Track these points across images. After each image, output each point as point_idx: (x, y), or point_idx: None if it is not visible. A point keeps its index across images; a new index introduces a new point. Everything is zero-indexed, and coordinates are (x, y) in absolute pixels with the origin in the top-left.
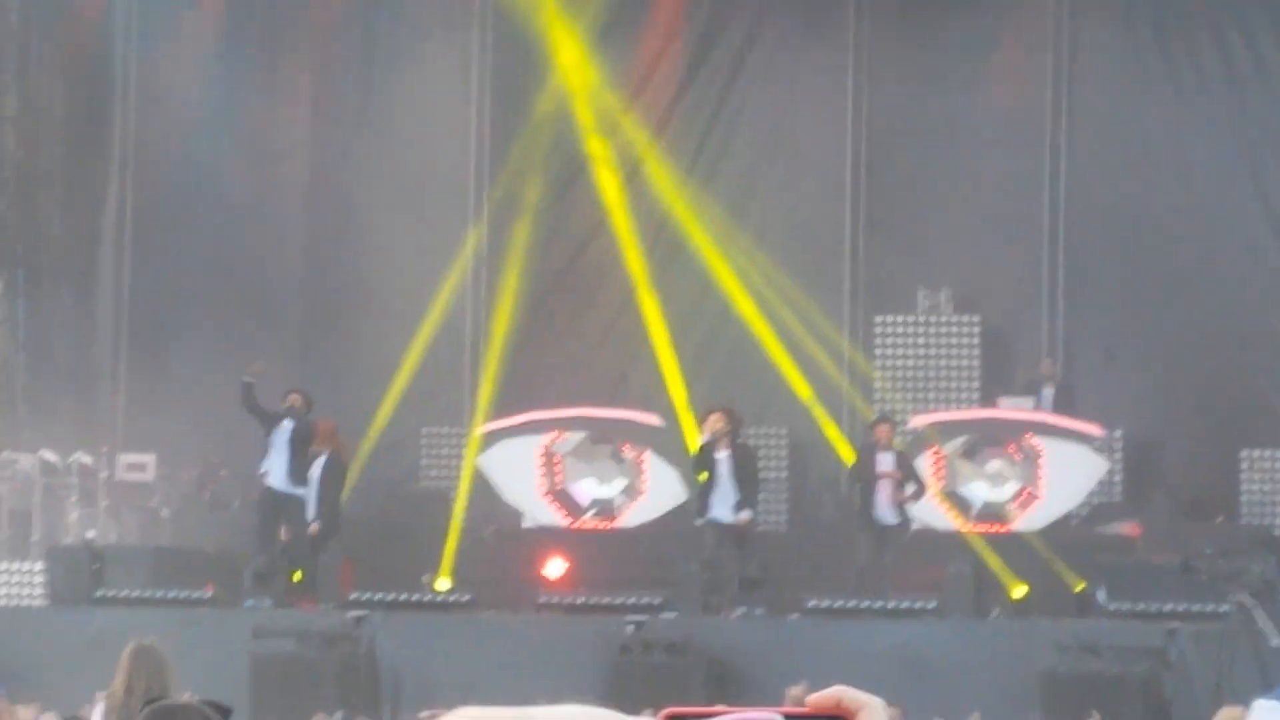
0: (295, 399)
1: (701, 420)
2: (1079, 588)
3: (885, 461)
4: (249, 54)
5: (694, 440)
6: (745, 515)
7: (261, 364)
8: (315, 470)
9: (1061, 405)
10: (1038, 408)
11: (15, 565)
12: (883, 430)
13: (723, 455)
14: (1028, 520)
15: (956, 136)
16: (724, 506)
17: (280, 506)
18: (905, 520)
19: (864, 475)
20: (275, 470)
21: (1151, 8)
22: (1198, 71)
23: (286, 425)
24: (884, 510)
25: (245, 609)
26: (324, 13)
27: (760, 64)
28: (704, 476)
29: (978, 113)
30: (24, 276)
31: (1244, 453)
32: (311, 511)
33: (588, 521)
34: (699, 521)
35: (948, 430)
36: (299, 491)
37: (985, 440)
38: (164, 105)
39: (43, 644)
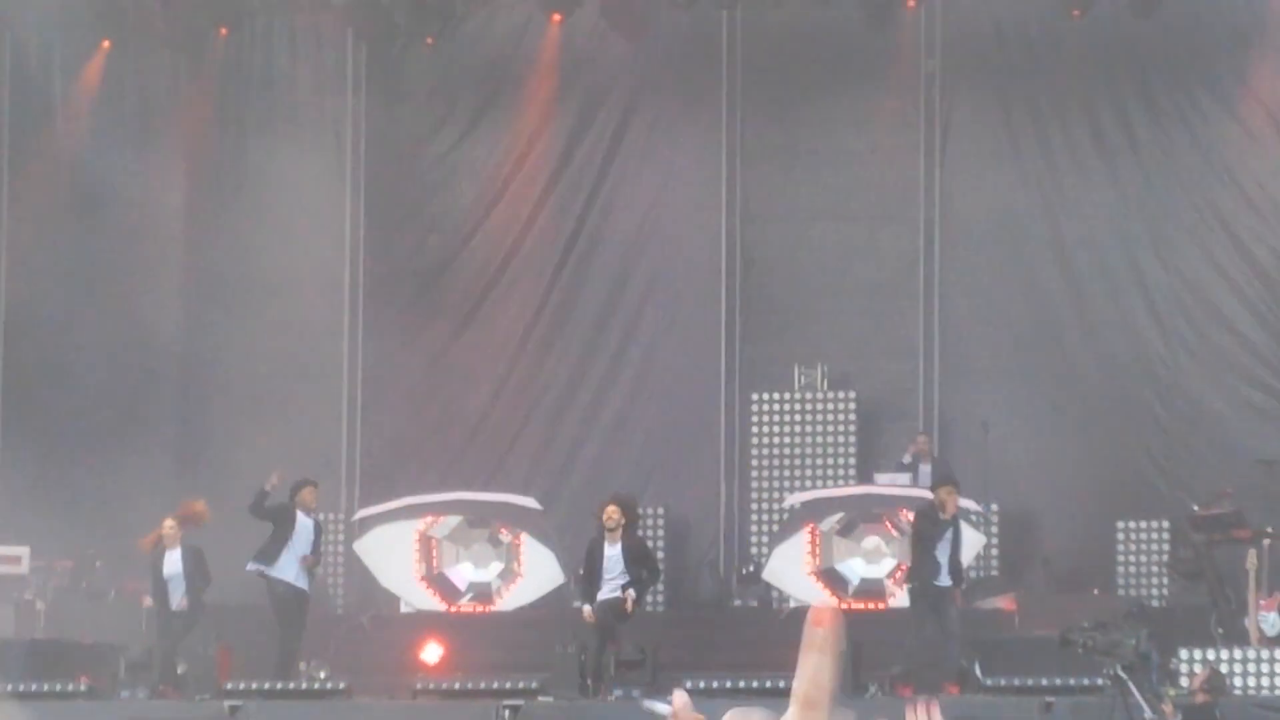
0: (310, 494)
1: (598, 511)
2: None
3: (946, 525)
4: (120, 146)
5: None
6: (630, 594)
7: (279, 476)
8: (176, 561)
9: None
10: (914, 484)
11: None
12: (948, 496)
13: (614, 550)
14: (905, 596)
15: (831, 213)
16: (610, 588)
17: (302, 603)
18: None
19: (928, 538)
20: (296, 569)
21: (1023, 84)
22: (1070, 147)
23: (306, 523)
24: (943, 578)
25: (120, 700)
26: (196, 102)
27: (635, 144)
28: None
29: (852, 189)
30: None
31: (1120, 524)
32: (180, 600)
33: (465, 606)
34: (578, 604)
35: (824, 507)
36: (306, 590)
37: (862, 516)
38: (37, 188)
39: None
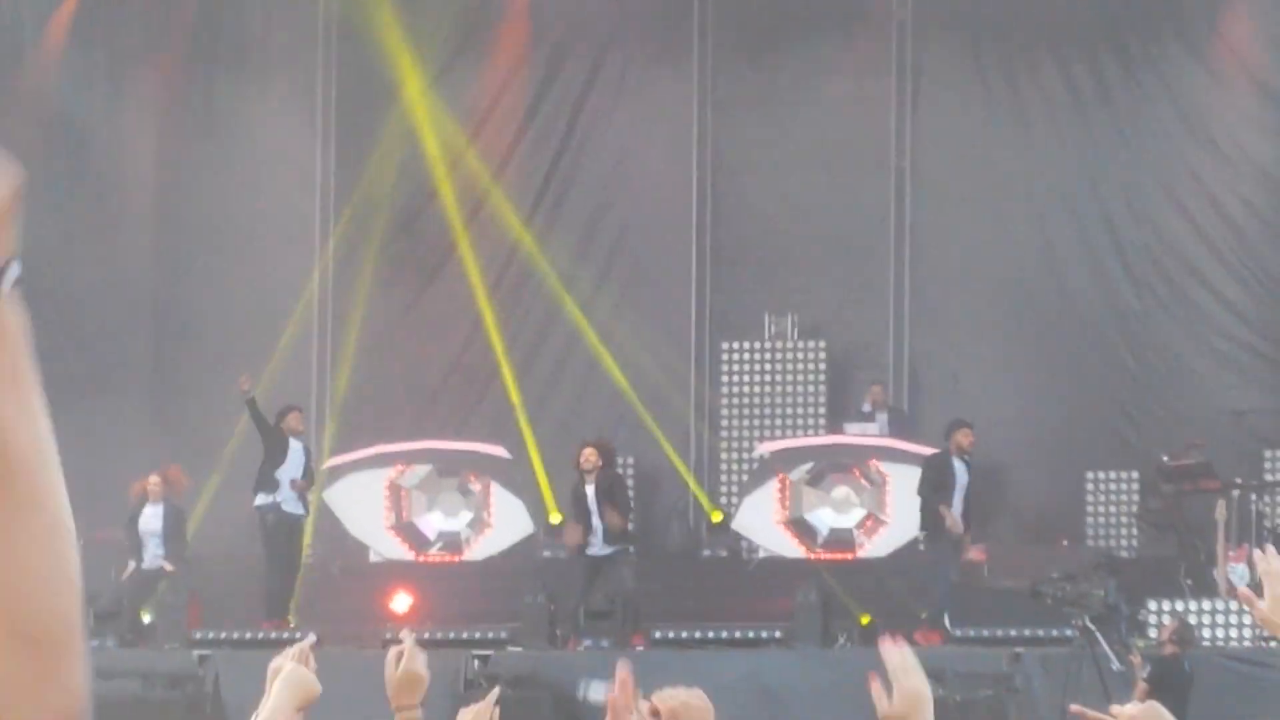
0: (297, 418)
1: (576, 454)
2: (924, 614)
3: (961, 470)
4: (91, 93)
5: (541, 473)
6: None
7: (249, 377)
8: (157, 517)
9: (896, 431)
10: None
11: None
12: (965, 436)
13: (591, 491)
14: (874, 546)
15: (801, 162)
16: (596, 542)
17: (295, 529)
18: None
19: (940, 485)
20: (289, 493)
21: (995, 33)
22: (1043, 97)
23: (297, 446)
24: (956, 522)
25: (89, 649)
26: (166, 55)
27: (606, 93)
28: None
29: (823, 139)
30: None
31: (1090, 475)
32: (162, 553)
33: (434, 555)
34: (547, 554)
35: (794, 457)
36: (303, 514)
37: (831, 466)
38: (5, 135)
39: None
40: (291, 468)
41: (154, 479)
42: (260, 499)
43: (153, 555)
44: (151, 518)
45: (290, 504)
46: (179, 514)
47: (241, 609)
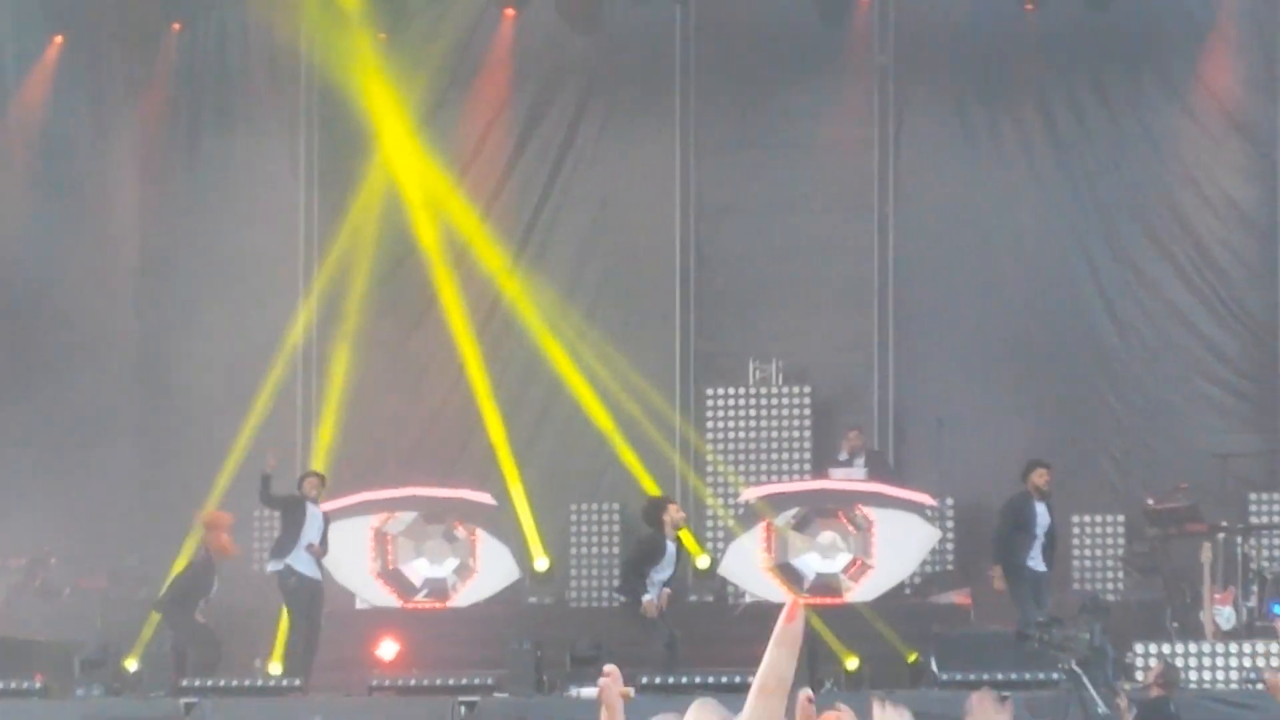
0: (316, 483)
1: (658, 510)
2: (912, 658)
3: (1042, 511)
4: (74, 138)
5: (528, 519)
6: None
7: (275, 456)
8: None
9: (875, 475)
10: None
11: None
12: (1041, 477)
13: (673, 549)
14: (860, 591)
15: (785, 208)
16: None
17: (314, 593)
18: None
19: (1021, 522)
20: (306, 558)
21: (977, 78)
22: (1024, 141)
23: (315, 512)
24: (1037, 560)
25: (76, 699)
26: (149, 99)
27: (589, 138)
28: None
29: (805, 184)
30: None
31: (1075, 519)
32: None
33: (420, 602)
34: (533, 600)
35: (779, 502)
36: (319, 577)
37: (817, 511)
38: None
39: None
40: (310, 532)
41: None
42: (274, 565)
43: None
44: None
45: (306, 567)
46: (205, 565)
47: (227, 655)
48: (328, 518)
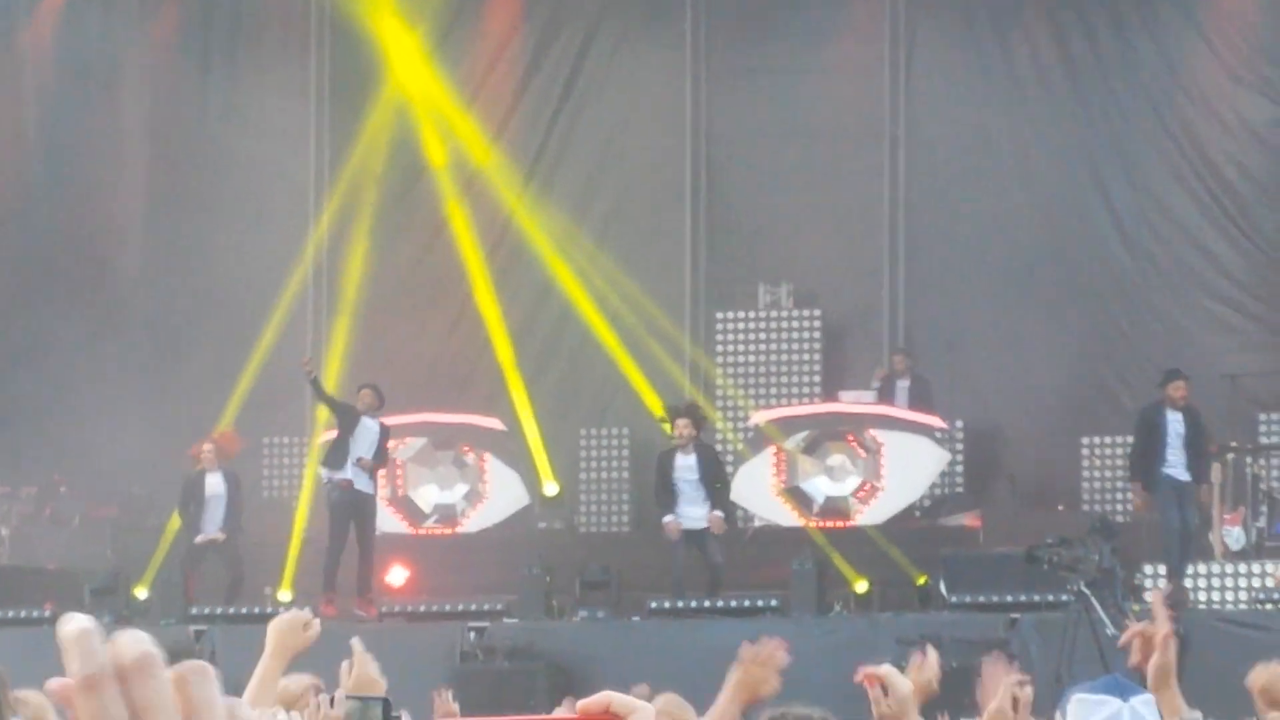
0: (370, 395)
1: (671, 422)
2: (921, 580)
3: (1175, 420)
4: (88, 62)
5: (537, 444)
6: (717, 514)
7: (309, 357)
8: (219, 484)
9: (917, 399)
10: (892, 402)
11: None
12: (1176, 389)
13: (689, 459)
14: (869, 514)
15: (795, 131)
16: (691, 510)
17: (361, 508)
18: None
19: (1150, 430)
20: (356, 470)
21: (988, 0)
22: (1036, 64)
23: (371, 424)
24: (1176, 469)
25: None
26: (160, 24)
27: (598, 64)
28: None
29: (816, 107)
30: None
31: (1084, 440)
32: (220, 523)
33: (430, 528)
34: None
35: (789, 425)
36: (371, 492)
37: (826, 434)
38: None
39: None
40: (361, 445)
41: (207, 447)
42: (324, 473)
43: (213, 524)
44: (215, 485)
45: (360, 482)
46: (237, 480)
47: (245, 584)
48: (386, 430)
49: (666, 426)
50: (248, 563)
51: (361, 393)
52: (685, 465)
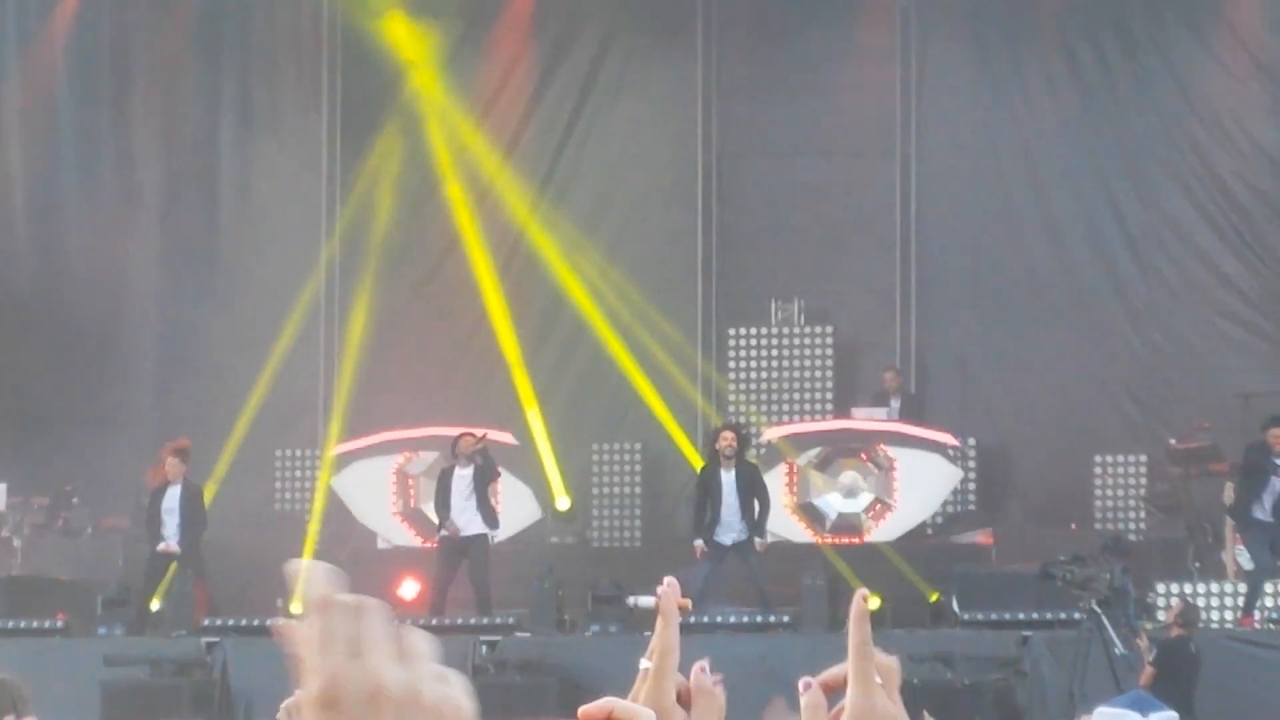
0: (470, 442)
1: (711, 438)
2: (933, 597)
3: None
4: (98, 77)
5: (549, 458)
6: (759, 541)
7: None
8: (175, 497)
9: (909, 417)
10: (889, 419)
11: None
12: (1273, 439)
13: (729, 476)
14: (882, 531)
15: (807, 148)
16: (729, 529)
17: (473, 547)
18: None
19: (1252, 475)
20: (463, 519)
21: (1000, 18)
22: (1047, 83)
23: (464, 474)
24: (1265, 513)
25: (98, 637)
26: (169, 39)
27: (611, 79)
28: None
29: (828, 124)
30: None
31: (1097, 458)
32: (176, 535)
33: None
34: (555, 540)
35: (801, 442)
36: (488, 531)
37: (839, 451)
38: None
39: None
40: (458, 497)
41: (170, 460)
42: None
43: (172, 536)
44: (171, 498)
45: (470, 528)
46: (198, 492)
47: (250, 594)
48: (481, 471)
49: None
50: (261, 574)
51: (459, 442)
52: (727, 482)
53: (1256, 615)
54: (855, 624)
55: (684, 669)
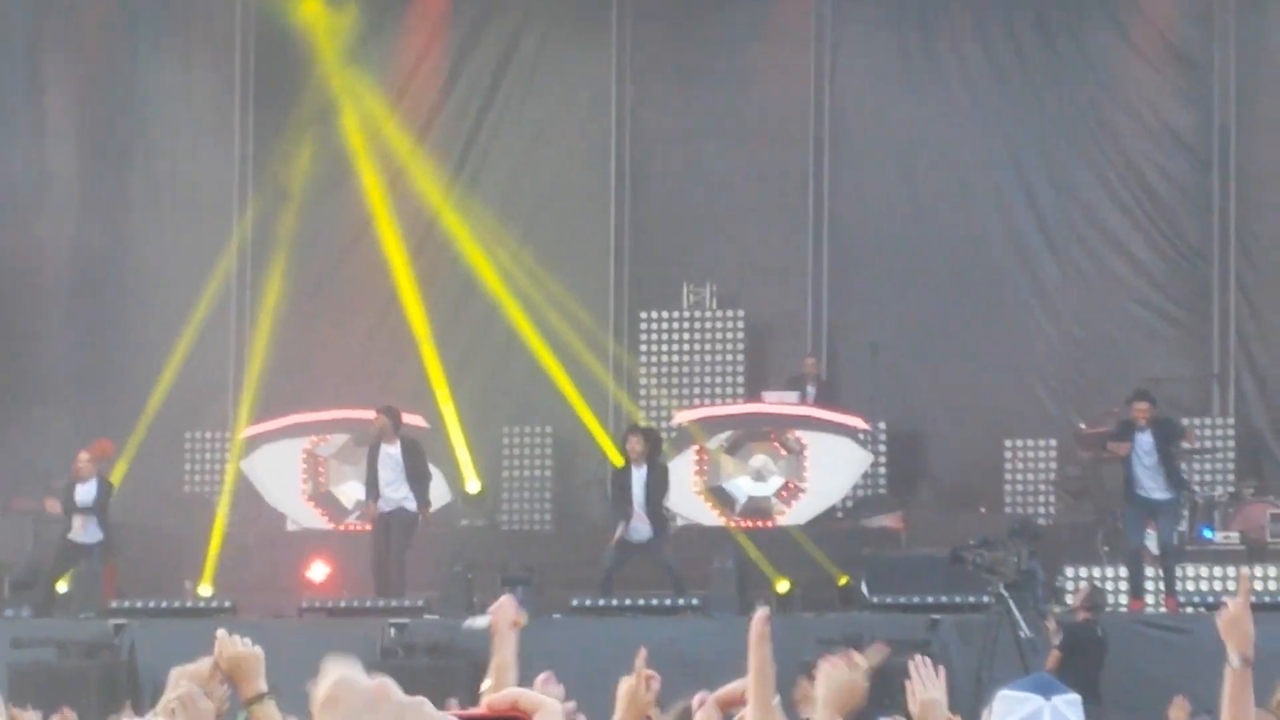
0: (383, 421)
1: (622, 440)
2: (843, 581)
3: (1144, 442)
4: (11, 56)
5: (460, 441)
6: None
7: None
8: (89, 493)
9: (825, 403)
10: (803, 402)
11: None
12: (1142, 410)
13: (639, 473)
14: (792, 514)
15: (720, 132)
16: (637, 530)
17: (396, 522)
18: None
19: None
20: (392, 495)
21: (916, 2)
22: (962, 67)
23: (392, 451)
24: (1145, 489)
25: (4, 619)
26: (83, 20)
27: (525, 63)
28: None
29: (741, 108)
30: None
31: (1007, 443)
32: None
33: (351, 524)
34: (465, 523)
35: (712, 425)
36: (409, 508)
37: (749, 435)
38: None
39: None
40: (386, 472)
41: (83, 456)
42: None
43: (82, 529)
44: (84, 493)
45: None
46: (108, 488)
47: (158, 576)
48: (411, 452)
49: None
50: (169, 556)
51: (378, 419)
52: (637, 480)
53: (1149, 599)
54: (755, 645)
55: (594, 653)
